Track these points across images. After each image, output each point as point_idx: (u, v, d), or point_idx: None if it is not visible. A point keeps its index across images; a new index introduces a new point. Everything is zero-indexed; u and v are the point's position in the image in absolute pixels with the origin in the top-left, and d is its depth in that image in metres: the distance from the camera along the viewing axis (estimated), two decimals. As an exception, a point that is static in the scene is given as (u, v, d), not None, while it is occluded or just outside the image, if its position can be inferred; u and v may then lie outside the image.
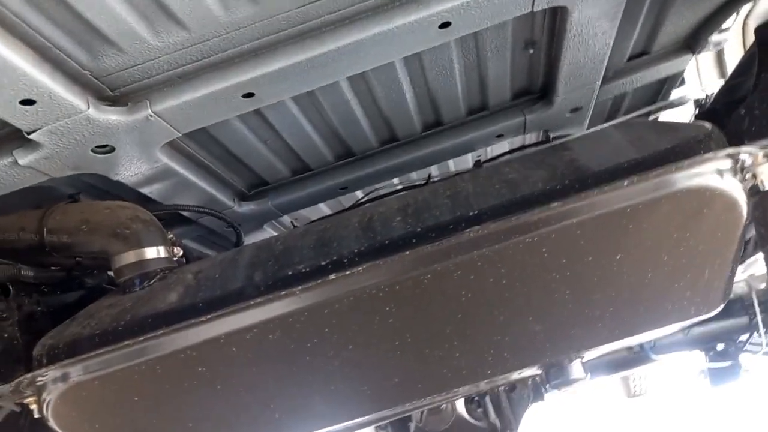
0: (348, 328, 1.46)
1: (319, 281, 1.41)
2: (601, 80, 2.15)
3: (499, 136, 2.42)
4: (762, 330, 2.41)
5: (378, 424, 2.45)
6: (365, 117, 2.14)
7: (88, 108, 1.48)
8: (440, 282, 1.42)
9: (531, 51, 1.98)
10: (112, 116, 1.55)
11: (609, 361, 2.60)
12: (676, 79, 2.52)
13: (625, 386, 10.83)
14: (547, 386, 1.79)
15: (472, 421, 2.35)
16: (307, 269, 1.48)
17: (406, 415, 2.36)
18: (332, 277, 1.41)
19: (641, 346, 2.51)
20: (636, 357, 2.60)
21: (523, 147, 2.56)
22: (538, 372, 1.79)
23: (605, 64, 2.04)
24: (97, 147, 1.64)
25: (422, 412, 2.33)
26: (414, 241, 1.44)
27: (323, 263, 1.48)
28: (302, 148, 2.25)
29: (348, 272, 1.41)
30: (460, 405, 2.34)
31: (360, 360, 1.51)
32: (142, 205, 1.81)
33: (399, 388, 1.57)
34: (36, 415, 1.51)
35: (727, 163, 1.36)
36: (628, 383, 10.84)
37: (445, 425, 2.31)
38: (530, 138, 2.85)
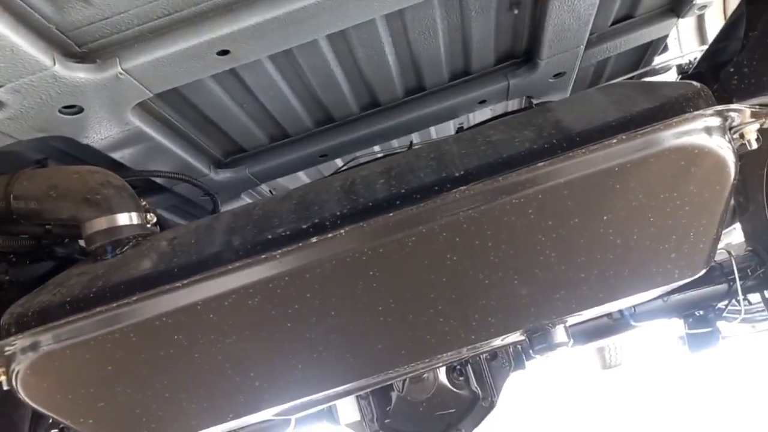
0: (330, 293, 1.42)
1: (300, 245, 1.37)
2: (585, 44, 2.12)
3: (483, 102, 2.38)
4: (740, 297, 2.42)
5: (359, 393, 2.43)
6: (346, 80, 2.08)
7: (54, 64, 1.41)
8: (425, 245, 1.38)
9: (516, 11, 1.93)
10: (80, 74, 1.48)
11: (590, 329, 2.60)
12: (659, 45, 2.49)
13: (600, 358, 11.01)
14: (531, 352, 1.78)
15: (454, 389, 2.35)
16: (287, 233, 1.43)
17: (388, 383, 2.35)
18: (313, 240, 1.38)
19: (621, 313, 2.52)
20: (616, 324, 2.60)
21: (505, 114, 2.52)
22: (522, 338, 1.77)
23: (590, 26, 2.01)
24: (65, 107, 1.57)
25: (404, 381, 2.32)
26: (398, 202, 1.40)
27: (304, 226, 1.43)
28: (280, 113, 2.18)
29: (330, 235, 1.37)
30: (442, 374, 2.33)
31: (342, 326, 1.47)
32: (114, 171, 1.74)
33: (382, 354, 1.53)
34: (5, 387, 1.45)
35: (716, 121, 1.34)
36: (604, 354, 11.01)
37: (427, 394, 2.30)
38: (513, 105, 2.82)
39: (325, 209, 1.47)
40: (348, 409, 2.58)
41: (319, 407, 2.42)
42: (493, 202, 1.36)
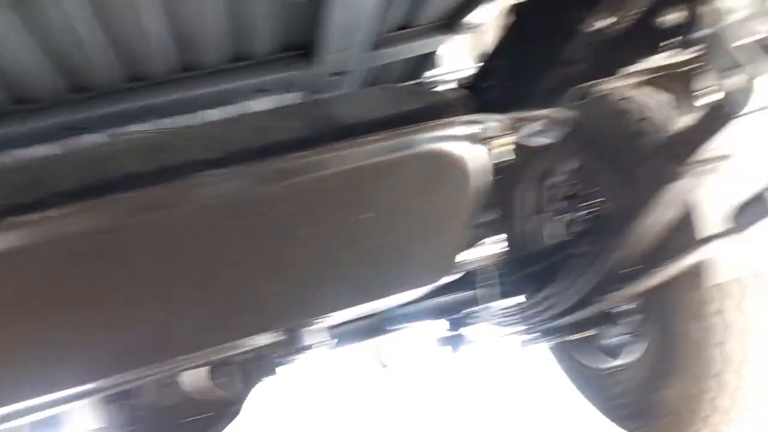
0: (36, 283, 1.22)
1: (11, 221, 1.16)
2: (364, 47, 2.12)
3: (261, 91, 2.28)
4: (487, 304, 2.59)
5: (101, 397, 2.18)
6: (104, 45, 1.82)
7: None
8: (162, 234, 1.25)
9: (296, -1, 1.86)
10: None
11: (355, 329, 2.62)
12: (435, 58, 2.59)
13: (377, 357, 11.45)
14: (287, 353, 1.72)
15: (202, 395, 2.18)
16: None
17: (133, 388, 2.13)
18: (34, 217, 1.17)
19: (384, 314, 2.57)
20: (380, 325, 2.66)
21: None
22: (277, 338, 1.70)
23: (368, 30, 2.00)
24: None
25: (152, 386, 2.11)
26: (136, 182, 1.23)
27: (27, 202, 1.21)
28: (20, 71, 1.85)
29: (48, 214, 1.17)
30: (190, 379, 2.15)
31: (57, 321, 1.28)
32: None
33: (107, 359, 1.37)
34: None
35: (471, 129, 1.38)
36: (380, 354, 11.48)
37: (175, 400, 2.11)
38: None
39: (51, 185, 1.26)
40: (91, 414, 2.31)
41: (53, 412, 2.14)
42: (245, 192, 1.28)
